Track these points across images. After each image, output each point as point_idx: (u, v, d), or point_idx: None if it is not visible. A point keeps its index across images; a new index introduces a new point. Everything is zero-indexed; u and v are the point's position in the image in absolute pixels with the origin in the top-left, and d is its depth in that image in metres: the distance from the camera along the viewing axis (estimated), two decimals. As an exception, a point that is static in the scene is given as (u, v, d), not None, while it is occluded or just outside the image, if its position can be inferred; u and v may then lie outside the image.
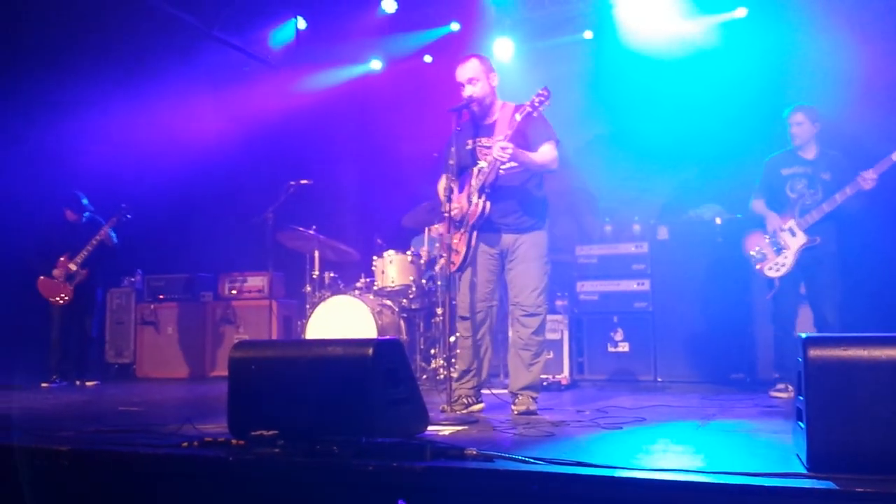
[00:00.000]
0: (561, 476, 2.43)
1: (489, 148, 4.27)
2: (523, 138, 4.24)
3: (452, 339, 4.47)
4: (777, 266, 5.32)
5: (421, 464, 2.58)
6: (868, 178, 4.99)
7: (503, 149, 4.05)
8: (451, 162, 4.17)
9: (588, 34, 7.74)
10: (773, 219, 5.37)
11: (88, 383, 6.88)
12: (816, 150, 5.33)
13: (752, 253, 5.46)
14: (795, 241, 5.26)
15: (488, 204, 4.24)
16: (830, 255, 5.25)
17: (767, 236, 5.38)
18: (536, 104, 4.09)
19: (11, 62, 7.33)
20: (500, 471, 2.50)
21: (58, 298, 6.90)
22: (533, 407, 4.23)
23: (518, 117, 4.11)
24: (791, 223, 5.29)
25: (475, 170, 4.33)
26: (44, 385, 6.70)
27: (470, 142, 4.41)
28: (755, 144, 6.13)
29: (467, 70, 4.33)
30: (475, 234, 4.31)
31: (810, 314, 5.38)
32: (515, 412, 4.22)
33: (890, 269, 5.92)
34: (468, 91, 4.30)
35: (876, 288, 5.86)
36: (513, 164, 4.20)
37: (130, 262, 8.07)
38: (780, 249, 5.32)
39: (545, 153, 4.26)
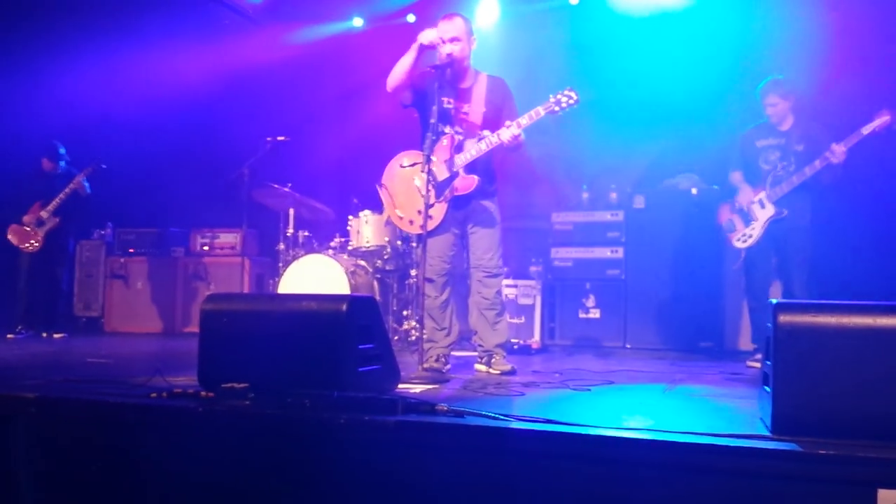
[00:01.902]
0: (530, 433, 2.46)
1: (466, 114, 4.34)
2: (499, 115, 4.33)
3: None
4: (744, 237, 5.33)
5: (392, 418, 2.60)
6: (837, 152, 4.91)
7: (515, 136, 4.16)
8: (433, 120, 4.12)
9: (573, 0, 7.67)
10: (745, 191, 5.37)
11: (56, 335, 6.80)
12: (791, 122, 5.28)
13: (723, 224, 5.49)
14: (764, 213, 5.26)
15: (478, 180, 4.28)
16: (801, 229, 5.21)
17: (737, 208, 5.40)
18: (564, 106, 4.15)
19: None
20: (471, 426, 2.52)
21: (27, 245, 6.80)
22: (509, 367, 4.36)
23: (542, 111, 4.17)
24: (762, 195, 5.27)
25: (454, 135, 4.31)
26: (9, 336, 6.62)
27: (447, 100, 4.33)
28: (733, 115, 6.13)
29: (452, 28, 4.28)
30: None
31: (780, 288, 5.42)
32: (497, 372, 4.33)
33: (862, 242, 5.98)
34: (448, 49, 4.25)
35: (848, 262, 5.89)
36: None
37: (101, 214, 7.95)
38: (748, 221, 5.34)
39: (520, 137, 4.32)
